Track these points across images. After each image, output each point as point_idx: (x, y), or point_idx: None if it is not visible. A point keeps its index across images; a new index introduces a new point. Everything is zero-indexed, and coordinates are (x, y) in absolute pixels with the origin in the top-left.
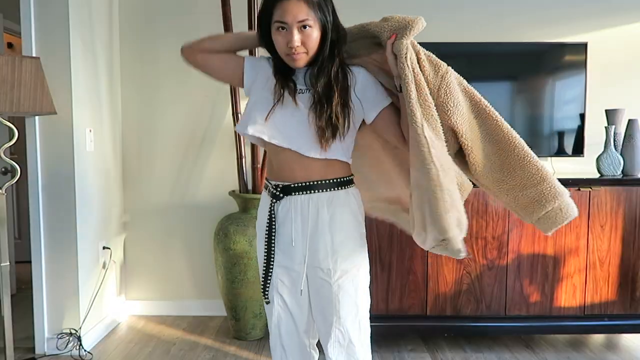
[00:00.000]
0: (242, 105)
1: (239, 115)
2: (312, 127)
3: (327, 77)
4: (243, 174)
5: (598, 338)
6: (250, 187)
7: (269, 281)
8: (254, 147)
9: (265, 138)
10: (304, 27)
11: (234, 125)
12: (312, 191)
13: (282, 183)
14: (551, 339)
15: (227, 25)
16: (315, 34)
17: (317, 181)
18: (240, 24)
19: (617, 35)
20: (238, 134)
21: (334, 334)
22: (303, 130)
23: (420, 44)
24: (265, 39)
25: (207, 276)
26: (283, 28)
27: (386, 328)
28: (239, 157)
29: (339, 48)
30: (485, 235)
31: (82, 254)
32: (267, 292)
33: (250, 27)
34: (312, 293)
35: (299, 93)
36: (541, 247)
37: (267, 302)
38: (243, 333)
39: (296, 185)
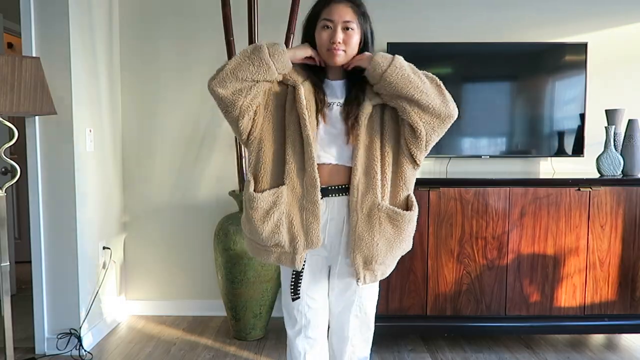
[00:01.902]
0: None
1: None
2: (345, 130)
3: (362, 82)
4: (243, 174)
5: (598, 338)
6: None
7: (300, 278)
8: None
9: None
10: (347, 28)
11: None
12: (346, 194)
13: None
14: (551, 339)
15: (227, 26)
16: (355, 37)
17: (349, 185)
18: (240, 23)
19: (617, 35)
20: None
21: (354, 309)
22: (345, 145)
23: (421, 44)
24: (308, 41)
25: (207, 276)
26: (328, 27)
27: (386, 328)
28: (239, 157)
29: None
30: (485, 235)
31: (82, 254)
32: (298, 289)
33: (250, 28)
34: (337, 277)
35: (337, 106)
36: (541, 247)
37: (297, 298)
38: (243, 333)
39: (333, 187)
